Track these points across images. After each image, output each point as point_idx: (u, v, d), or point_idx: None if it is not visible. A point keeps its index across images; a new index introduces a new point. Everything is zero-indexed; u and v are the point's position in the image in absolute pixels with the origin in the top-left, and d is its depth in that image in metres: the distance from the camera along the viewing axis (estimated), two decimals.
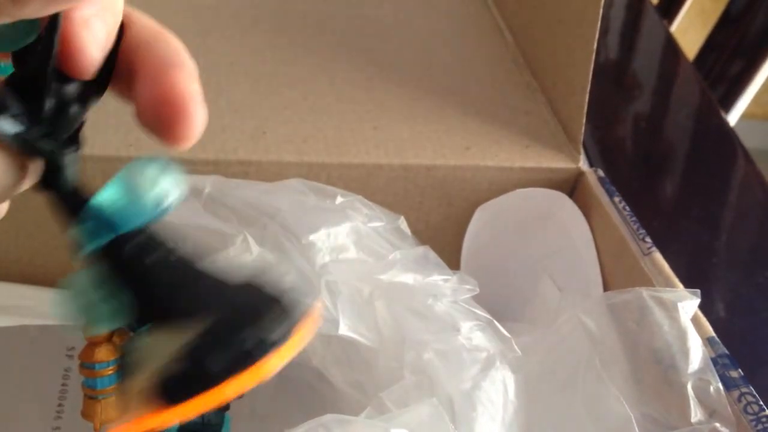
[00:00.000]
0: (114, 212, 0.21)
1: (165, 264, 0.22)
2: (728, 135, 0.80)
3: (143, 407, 0.20)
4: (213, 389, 0.20)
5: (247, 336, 0.21)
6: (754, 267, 0.68)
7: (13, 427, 0.48)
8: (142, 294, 0.22)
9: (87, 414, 0.42)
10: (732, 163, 0.78)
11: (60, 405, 0.49)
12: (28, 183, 0.22)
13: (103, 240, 0.22)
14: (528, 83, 0.63)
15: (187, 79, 0.22)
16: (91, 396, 0.42)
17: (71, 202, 0.22)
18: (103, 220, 0.22)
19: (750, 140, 0.80)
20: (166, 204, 0.22)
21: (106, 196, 0.22)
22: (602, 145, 0.76)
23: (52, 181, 0.22)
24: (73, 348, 0.51)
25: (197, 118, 0.22)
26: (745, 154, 0.78)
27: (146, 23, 0.23)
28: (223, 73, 0.60)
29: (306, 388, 0.47)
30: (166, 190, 0.22)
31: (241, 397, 0.24)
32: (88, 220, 0.22)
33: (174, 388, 0.20)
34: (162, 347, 0.21)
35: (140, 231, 0.22)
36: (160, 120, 0.22)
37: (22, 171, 0.22)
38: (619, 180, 0.55)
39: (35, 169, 0.22)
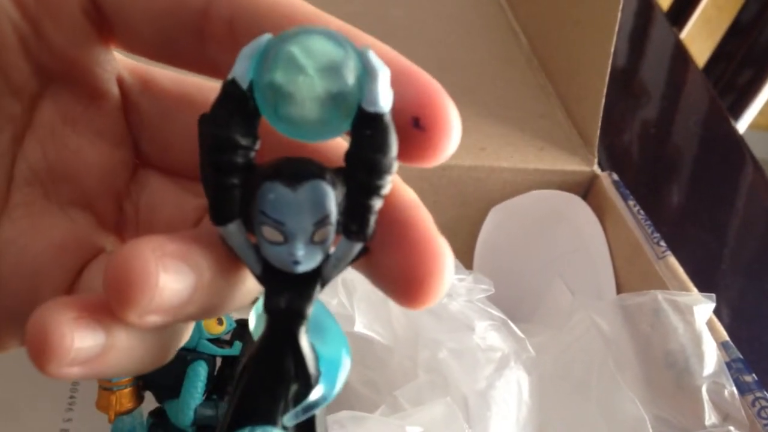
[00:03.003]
0: None
1: None
2: (737, 143, 0.80)
3: None
4: None
5: None
6: (761, 273, 0.68)
7: (25, 419, 0.48)
8: None
9: (101, 405, 0.42)
10: (740, 170, 0.78)
11: (72, 397, 0.49)
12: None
13: None
14: (543, 86, 0.63)
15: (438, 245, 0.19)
16: (106, 387, 0.42)
17: None
18: None
19: (756, 151, 0.80)
20: None
21: None
22: (611, 151, 0.76)
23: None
24: None
25: (446, 281, 0.19)
26: (754, 161, 0.78)
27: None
28: None
29: None
30: None
31: None
32: None
33: None
34: None
35: None
36: (407, 280, 0.19)
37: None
38: (627, 185, 0.55)
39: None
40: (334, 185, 0.18)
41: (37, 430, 0.47)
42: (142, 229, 0.24)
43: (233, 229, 0.19)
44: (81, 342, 0.17)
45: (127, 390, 0.43)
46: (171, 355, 0.21)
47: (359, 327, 0.43)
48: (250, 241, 0.19)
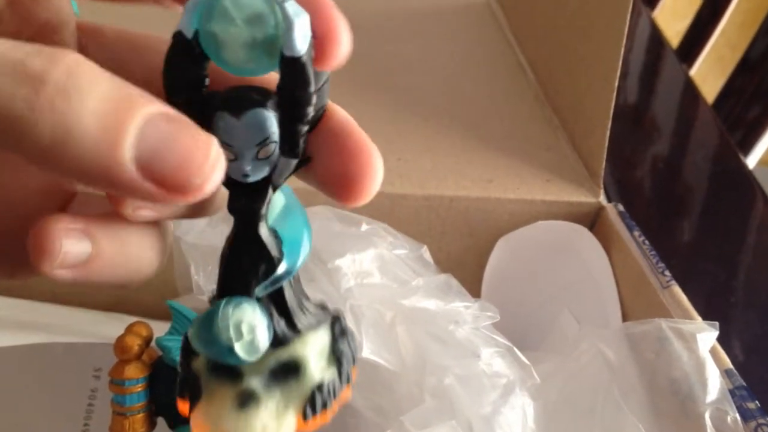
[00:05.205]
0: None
1: None
2: (746, 177, 0.81)
3: None
4: None
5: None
6: None
7: None
8: None
9: (115, 430, 0.43)
10: (750, 204, 0.79)
11: (86, 425, 0.49)
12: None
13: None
14: (549, 119, 0.65)
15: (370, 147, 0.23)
16: (119, 412, 0.43)
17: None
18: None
19: (766, 187, 0.80)
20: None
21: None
22: (621, 185, 0.77)
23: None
24: (99, 369, 0.51)
25: (377, 179, 0.23)
26: (764, 196, 0.78)
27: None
28: None
29: None
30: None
31: None
32: None
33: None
34: None
35: None
36: (345, 179, 0.23)
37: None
38: (637, 219, 0.56)
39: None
40: (275, 109, 0.22)
41: None
42: None
43: None
44: (68, 246, 0.21)
45: (140, 415, 0.43)
46: (152, 269, 0.24)
47: (367, 353, 0.44)
48: None
